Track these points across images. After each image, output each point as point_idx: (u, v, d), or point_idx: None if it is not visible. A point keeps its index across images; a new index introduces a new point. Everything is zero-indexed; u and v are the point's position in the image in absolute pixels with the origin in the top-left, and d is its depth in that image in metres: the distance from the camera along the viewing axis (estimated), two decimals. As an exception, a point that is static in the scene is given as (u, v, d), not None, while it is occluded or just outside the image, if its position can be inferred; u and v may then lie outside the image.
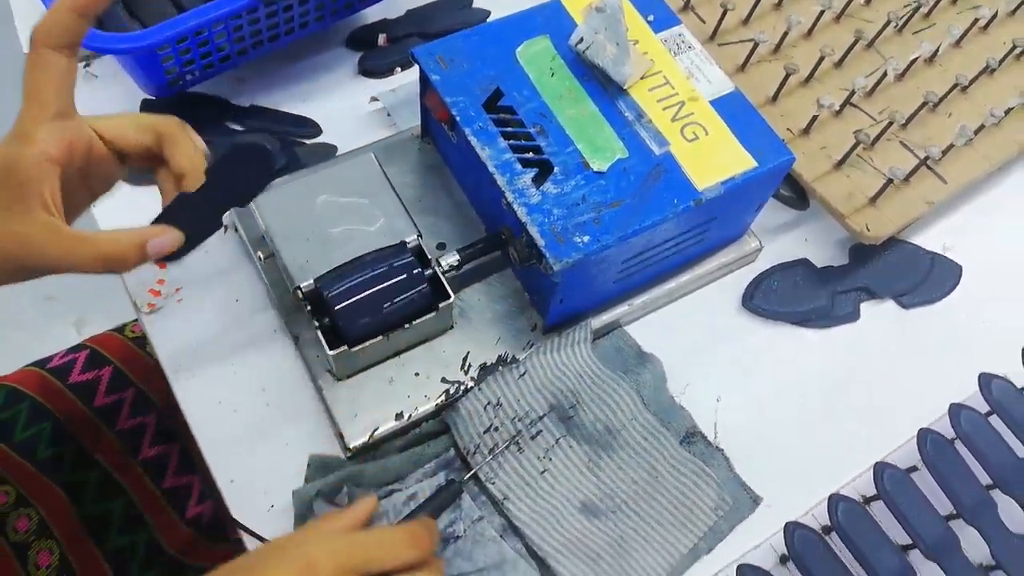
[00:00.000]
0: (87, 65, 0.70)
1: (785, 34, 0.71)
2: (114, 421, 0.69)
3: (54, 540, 0.63)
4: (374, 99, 0.70)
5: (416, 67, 0.58)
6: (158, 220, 0.46)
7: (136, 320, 0.76)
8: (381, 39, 0.73)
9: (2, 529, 0.62)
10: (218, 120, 0.68)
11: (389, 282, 0.53)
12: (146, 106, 0.67)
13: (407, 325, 0.54)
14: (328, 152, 0.67)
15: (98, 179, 0.47)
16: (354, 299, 0.52)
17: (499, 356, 0.58)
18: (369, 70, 0.72)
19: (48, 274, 0.44)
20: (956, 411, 0.58)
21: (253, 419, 0.57)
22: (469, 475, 0.54)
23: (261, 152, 0.50)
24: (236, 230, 0.62)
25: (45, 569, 0.62)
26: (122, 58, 0.60)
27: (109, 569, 0.64)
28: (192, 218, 0.47)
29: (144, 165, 0.48)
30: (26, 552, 0.62)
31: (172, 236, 0.45)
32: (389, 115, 0.70)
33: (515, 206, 0.52)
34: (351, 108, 0.70)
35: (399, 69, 0.73)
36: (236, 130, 0.67)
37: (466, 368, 0.58)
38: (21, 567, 0.62)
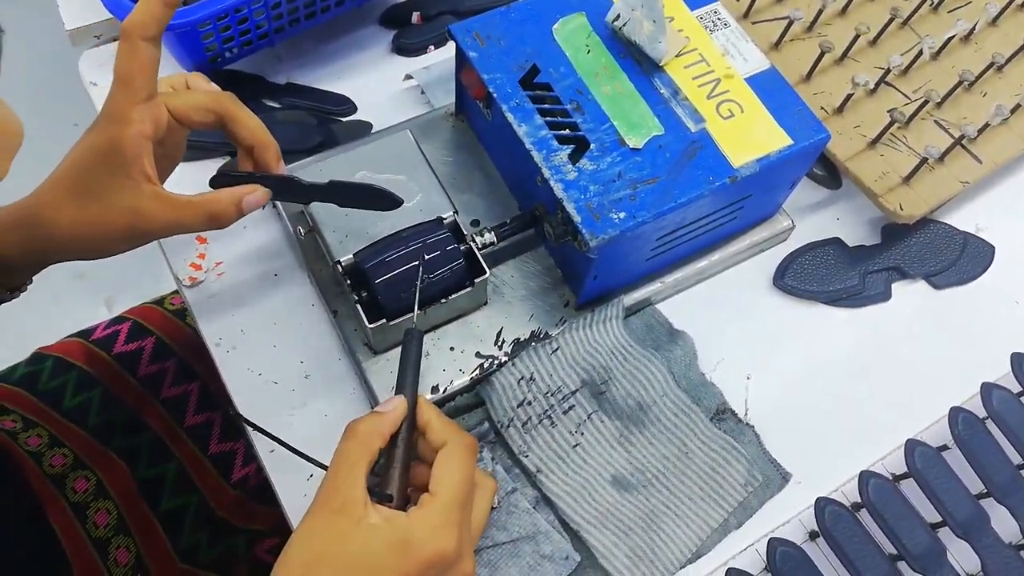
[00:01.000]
0: (127, 43, 0.71)
1: (820, 12, 0.70)
2: (159, 390, 0.71)
3: (111, 501, 0.66)
4: (408, 77, 0.71)
5: (450, 45, 0.59)
6: (249, 180, 0.51)
7: (174, 293, 0.78)
8: (415, 17, 0.74)
9: (62, 490, 0.65)
10: (255, 97, 0.68)
11: (426, 257, 0.53)
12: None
13: (443, 300, 0.55)
14: (363, 129, 0.68)
15: (175, 147, 0.52)
16: (393, 273, 0.53)
17: (532, 332, 0.59)
18: (403, 48, 0.73)
19: (157, 239, 0.51)
20: (988, 390, 0.58)
21: (292, 391, 0.58)
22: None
23: (391, 199, 0.54)
24: (275, 206, 0.63)
25: (103, 528, 0.65)
26: (163, 35, 0.61)
27: (162, 529, 0.66)
28: (283, 187, 0.53)
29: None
30: (85, 512, 0.65)
31: (262, 193, 0.51)
32: (423, 93, 0.70)
33: (551, 182, 0.52)
34: (385, 86, 0.71)
35: (432, 47, 0.73)
36: (273, 107, 0.68)
37: (500, 343, 0.59)
38: (81, 526, 0.64)
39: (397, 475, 0.46)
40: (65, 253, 0.50)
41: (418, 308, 0.54)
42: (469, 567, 0.44)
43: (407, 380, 0.49)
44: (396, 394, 0.48)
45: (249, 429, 0.52)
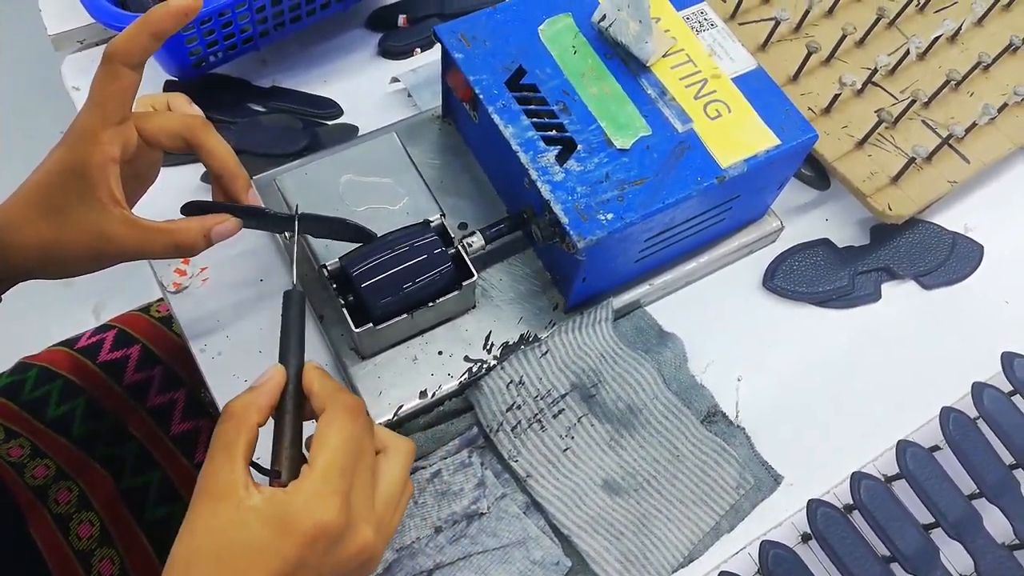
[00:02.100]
0: (110, 47, 0.70)
1: (806, 12, 0.70)
2: (144, 398, 0.70)
3: (94, 512, 0.65)
4: (394, 80, 0.70)
5: (437, 47, 0.58)
6: (220, 210, 0.50)
7: (160, 301, 0.77)
8: (401, 20, 0.73)
9: (44, 502, 0.64)
10: (240, 101, 0.68)
11: (413, 260, 0.53)
12: (169, 87, 0.67)
13: (431, 303, 0.54)
14: (349, 133, 0.68)
15: (147, 167, 0.52)
16: (379, 277, 0.52)
17: (521, 335, 0.59)
18: (389, 51, 0.72)
19: (125, 261, 0.49)
20: (979, 390, 0.58)
21: (278, 397, 0.57)
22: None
23: (363, 233, 0.54)
24: (260, 210, 0.62)
25: (86, 540, 0.64)
26: (146, 39, 0.61)
27: (147, 540, 0.65)
28: (255, 216, 0.51)
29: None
30: (68, 523, 0.64)
31: (232, 224, 0.50)
32: (409, 96, 0.70)
33: (539, 184, 0.52)
34: (372, 89, 0.71)
35: (419, 50, 0.73)
36: (258, 111, 0.68)
37: (489, 347, 0.58)
38: (64, 538, 0.63)
39: (284, 449, 0.42)
40: (32, 271, 0.49)
41: (405, 312, 0.54)
42: (367, 536, 0.40)
43: (289, 346, 0.44)
44: (279, 363, 0.44)
45: None
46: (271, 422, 0.43)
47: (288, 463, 0.42)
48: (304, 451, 0.43)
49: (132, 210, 0.49)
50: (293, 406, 0.43)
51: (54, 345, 0.74)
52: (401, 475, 0.44)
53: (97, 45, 0.71)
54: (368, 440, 0.43)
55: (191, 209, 0.50)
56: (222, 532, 0.38)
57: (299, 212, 0.51)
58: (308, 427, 0.44)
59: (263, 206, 0.52)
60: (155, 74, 0.67)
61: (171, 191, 0.55)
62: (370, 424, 0.43)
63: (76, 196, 0.45)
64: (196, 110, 0.51)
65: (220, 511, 0.38)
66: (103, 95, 0.44)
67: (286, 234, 0.57)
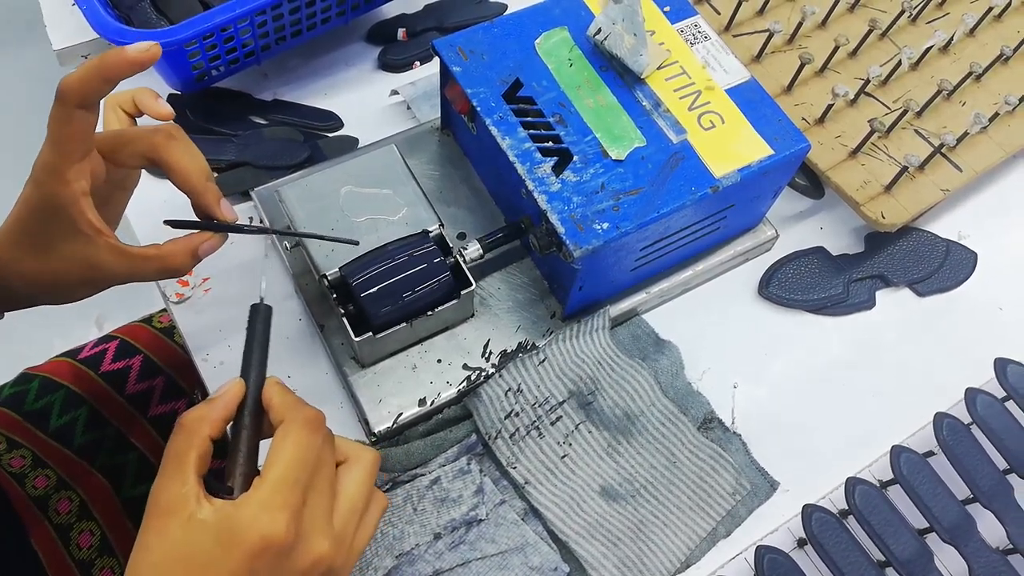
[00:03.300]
0: (113, 62, 0.71)
1: (800, 24, 0.71)
2: (146, 408, 0.71)
3: (95, 522, 0.65)
4: (394, 92, 0.71)
5: (436, 60, 0.59)
6: (201, 227, 0.51)
7: (162, 311, 0.78)
8: (400, 34, 0.74)
9: (45, 511, 0.64)
10: (242, 114, 0.69)
11: (412, 270, 0.54)
12: (171, 100, 0.68)
13: (430, 312, 0.55)
14: (350, 145, 0.69)
15: (124, 178, 0.52)
16: (379, 286, 0.53)
17: (519, 343, 0.59)
18: (389, 64, 0.73)
19: (117, 284, 0.50)
20: (972, 396, 0.58)
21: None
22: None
23: (345, 242, 0.54)
24: (261, 221, 0.63)
25: (87, 549, 0.64)
26: (149, 54, 0.62)
27: None
28: (230, 230, 0.52)
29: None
30: (68, 533, 0.64)
31: (217, 240, 0.51)
32: (409, 108, 0.71)
33: (535, 194, 0.53)
34: (372, 102, 0.72)
35: (418, 63, 0.74)
36: (260, 123, 0.69)
37: (487, 355, 0.59)
38: (64, 547, 0.64)
39: (237, 464, 0.41)
40: (30, 300, 0.50)
41: (404, 321, 0.54)
42: (320, 550, 0.39)
43: (251, 360, 0.43)
44: (241, 376, 0.43)
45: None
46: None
47: (241, 479, 0.41)
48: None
49: (124, 213, 0.51)
50: (250, 421, 0.42)
51: (57, 356, 0.75)
52: (363, 486, 0.42)
53: (101, 59, 0.72)
54: (327, 452, 0.41)
55: (174, 224, 0.50)
56: (172, 547, 0.37)
57: (273, 228, 0.52)
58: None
59: (237, 221, 0.51)
60: (157, 87, 0.68)
61: (169, 196, 0.56)
62: (330, 436, 0.42)
63: (58, 231, 0.46)
64: (164, 107, 0.50)
65: (170, 526, 0.38)
66: (60, 136, 0.44)
67: (285, 243, 0.58)
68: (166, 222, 0.50)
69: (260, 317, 0.44)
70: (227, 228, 0.51)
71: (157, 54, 0.44)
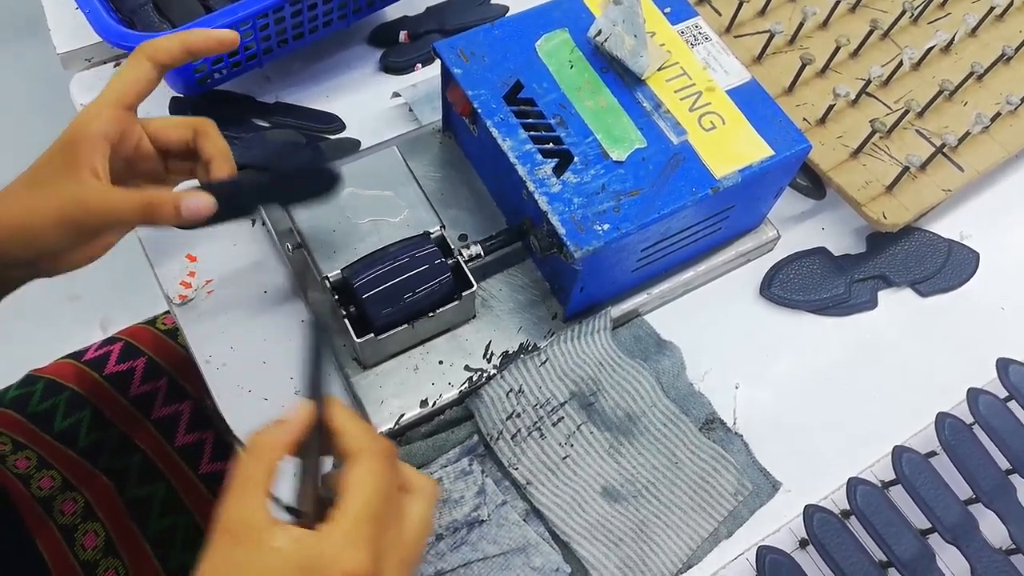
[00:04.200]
0: (117, 65, 0.72)
1: (801, 25, 0.71)
2: (150, 410, 0.71)
3: (99, 523, 0.66)
4: (396, 95, 0.72)
5: (437, 63, 0.59)
6: (199, 188, 0.50)
7: (166, 313, 0.78)
8: (402, 36, 0.75)
9: (50, 512, 0.65)
10: (244, 117, 0.69)
11: (414, 271, 0.54)
12: (175, 103, 0.69)
13: (431, 313, 0.55)
14: (352, 147, 0.69)
15: (145, 173, 0.53)
16: (380, 288, 0.53)
17: (521, 344, 0.59)
18: (391, 67, 0.74)
19: (94, 229, 0.48)
20: (974, 396, 0.58)
21: (282, 407, 0.58)
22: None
23: (331, 177, 0.53)
24: (264, 223, 0.63)
25: (91, 550, 0.65)
26: (152, 57, 0.62)
27: (151, 550, 0.66)
28: (228, 194, 0.51)
29: (183, 163, 0.53)
30: (73, 534, 0.65)
31: (206, 200, 0.49)
32: (411, 110, 0.71)
33: (536, 196, 0.53)
34: (373, 104, 0.72)
35: (420, 65, 0.74)
36: (262, 126, 0.69)
37: (489, 356, 0.59)
38: (69, 548, 0.64)
39: (309, 488, 0.40)
40: (8, 246, 0.48)
41: (406, 322, 0.55)
42: None
43: (314, 382, 0.42)
44: (305, 397, 0.42)
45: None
46: None
47: (314, 505, 0.40)
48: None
49: None
50: (320, 443, 0.42)
51: (61, 358, 0.75)
52: (427, 517, 0.43)
53: (105, 63, 0.72)
54: (395, 483, 0.42)
55: None
56: (242, 571, 0.37)
57: (269, 174, 0.53)
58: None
59: (233, 177, 0.52)
60: (161, 91, 0.68)
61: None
62: (398, 466, 0.43)
63: (61, 167, 0.47)
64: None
65: (238, 551, 0.37)
66: (119, 79, 0.47)
67: (288, 244, 0.58)
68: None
69: (321, 334, 0.44)
70: (220, 186, 0.50)
71: (236, 41, 0.49)
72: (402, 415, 0.56)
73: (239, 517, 0.38)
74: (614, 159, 0.54)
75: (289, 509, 0.40)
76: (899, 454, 0.56)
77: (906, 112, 0.67)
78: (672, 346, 0.62)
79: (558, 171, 0.54)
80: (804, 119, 0.69)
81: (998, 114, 0.69)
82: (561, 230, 0.52)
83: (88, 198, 0.46)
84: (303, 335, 0.61)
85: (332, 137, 0.70)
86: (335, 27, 0.69)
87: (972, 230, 0.71)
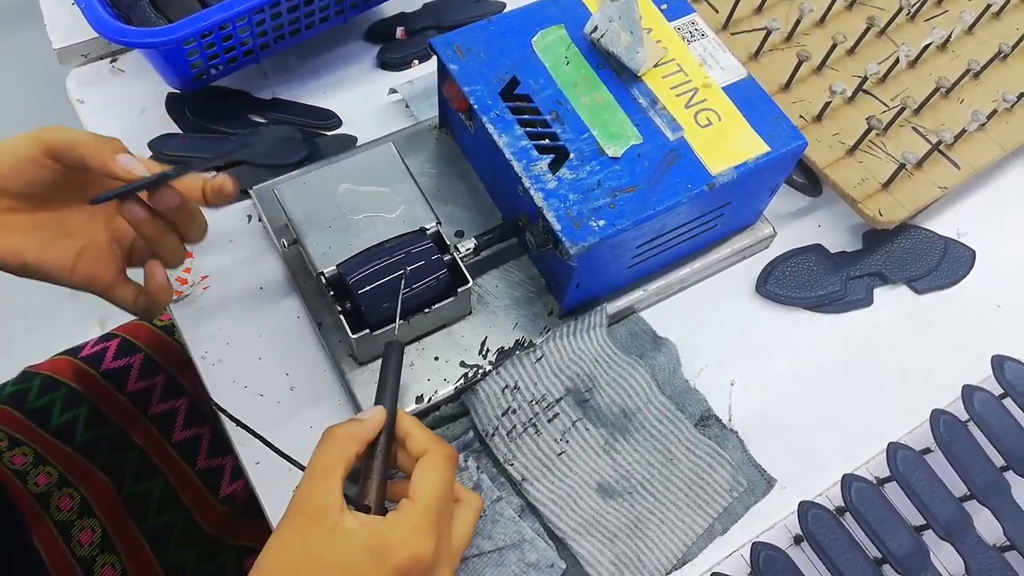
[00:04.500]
0: (113, 61, 0.72)
1: (798, 22, 0.71)
2: (147, 406, 0.71)
3: (96, 519, 0.66)
4: (392, 91, 0.72)
5: (433, 59, 0.59)
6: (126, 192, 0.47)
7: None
8: (399, 32, 0.74)
9: (47, 508, 0.65)
10: (241, 113, 0.69)
11: (409, 267, 0.54)
12: (171, 99, 0.69)
13: (427, 309, 0.55)
14: (348, 143, 0.69)
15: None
16: (375, 284, 0.53)
17: (516, 340, 0.59)
18: (387, 63, 0.74)
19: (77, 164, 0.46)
20: (969, 393, 0.58)
21: (278, 403, 0.58)
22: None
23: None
24: (260, 219, 0.63)
25: (88, 546, 0.65)
26: (148, 53, 0.62)
27: (148, 546, 0.66)
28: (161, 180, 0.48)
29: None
30: (69, 530, 0.65)
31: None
32: (407, 106, 0.71)
33: (532, 192, 0.53)
34: (370, 100, 0.72)
35: (416, 61, 0.74)
36: (259, 122, 0.69)
37: (484, 352, 0.59)
38: (65, 544, 0.64)
39: (375, 486, 0.45)
40: None
41: (402, 318, 0.54)
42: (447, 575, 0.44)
43: (387, 391, 0.49)
44: (376, 404, 0.48)
45: (226, 420, 0.52)
46: None
47: (377, 499, 0.44)
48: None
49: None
50: (386, 446, 0.46)
51: (58, 354, 0.75)
52: (472, 527, 0.47)
53: (101, 59, 0.72)
54: (453, 490, 0.46)
55: (99, 199, 0.47)
56: (314, 550, 0.40)
57: (176, 168, 0.47)
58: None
59: (145, 176, 0.47)
60: (157, 87, 0.69)
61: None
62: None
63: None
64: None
65: (313, 529, 0.40)
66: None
67: (283, 240, 0.58)
68: (91, 200, 0.47)
69: (395, 352, 0.50)
70: (145, 184, 0.47)
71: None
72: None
73: (315, 500, 0.41)
74: (610, 155, 0.54)
75: (360, 505, 0.43)
76: (894, 451, 0.56)
77: (902, 109, 0.67)
78: (668, 343, 0.62)
79: (554, 167, 0.54)
80: (801, 116, 0.69)
81: (994, 111, 0.69)
82: (556, 226, 0.52)
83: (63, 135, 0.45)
84: (292, 330, 0.61)
85: (329, 133, 0.70)
86: (332, 23, 0.69)
87: (968, 227, 0.71)
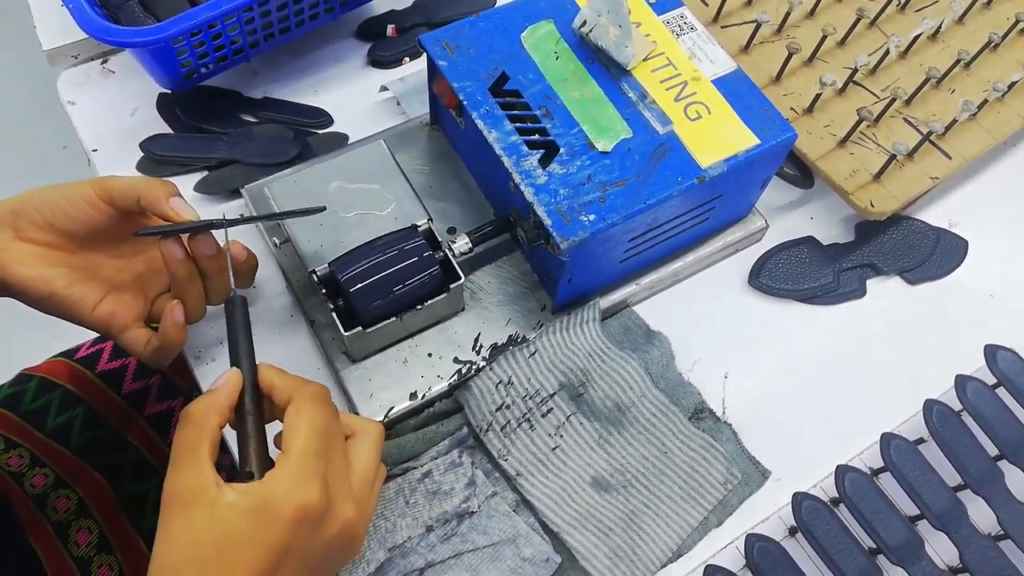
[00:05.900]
0: (104, 62, 0.72)
1: (787, 14, 0.71)
2: (143, 406, 0.71)
3: (93, 520, 0.66)
4: (384, 88, 0.72)
5: (424, 56, 0.59)
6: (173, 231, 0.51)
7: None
8: (389, 30, 0.74)
9: (43, 509, 0.65)
10: (232, 112, 0.69)
11: (401, 264, 0.54)
12: (161, 99, 0.69)
13: (419, 306, 0.55)
14: (339, 141, 0.69)
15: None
16: (367, 281, 0.53)
17: (510, 336, 0.60)
18: (378, 60, 0.74)
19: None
20: (962, 383, 0.58)
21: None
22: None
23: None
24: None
25: (85, 547, 0.65)
26: (138, 52, 0.62)
27: (145, 547, 0.66)
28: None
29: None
30: (67, 531, 0.65)
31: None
32: (398, 104, 0.71)
33: (522, 187, 0.53)
34: (361, 98, 0.72)
35: (407, 59, 0.74)
36: (250, 121, 0.69)
37: (478, 348, 0.59)
38: (62, 545, 0.64)
39: (252, 449, 0.42)
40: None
41: (394, 315, 0.55)
42: (348, 514, 0.42)
43: (239, 350, 0.45)
44: (231, 366, 0.45)
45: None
46: None
47: (258, 462, 0.42)
48: (275, 449, 0.43)
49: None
50: (253, 407, 0.44)
51: (54, 356, 0.75)
52: (374, 456, 0.45)
53: (91, 60, 0.72)
54: (337, 424, 0.44)
55: (145, 232, 0.50)
56: (201, 534, 0.38)
57: (227, 219, 0.51)
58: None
59: (194, 220, 0.51)
60: (148, 87, 0.69)
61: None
62: (336, 410, 0.44)
63: None
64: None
65: (195, 515, 0.38)
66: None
67: (275, 239, 0.58)
68: (135, 233, 0.50)
69: (237, 308, 0.47)
70: (192, 228, 0.50)
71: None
72: (391, 408, 0.56)
73: (186, 484, 0.39)
74: (600, 150, 0.55)
75: (242, 474, 0.42)
76: (887, 441, 0.56)
77: (893, 100, 0.67)
78: (661, 336, 0.63)
79: (544, 162, 0.54)
80: (791, 108, 0.69)
81: (985, 101, 0.69)
82: (547, 221, 0.52)
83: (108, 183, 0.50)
84: (285, 328, 0.61)
85: (320, 132, 0.70)
86: (321, 20, 0.69)
87: (960, 218, 0.71)
